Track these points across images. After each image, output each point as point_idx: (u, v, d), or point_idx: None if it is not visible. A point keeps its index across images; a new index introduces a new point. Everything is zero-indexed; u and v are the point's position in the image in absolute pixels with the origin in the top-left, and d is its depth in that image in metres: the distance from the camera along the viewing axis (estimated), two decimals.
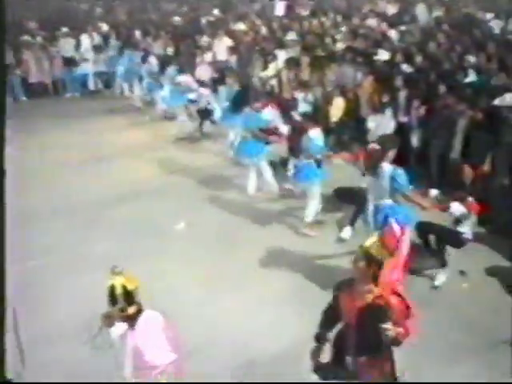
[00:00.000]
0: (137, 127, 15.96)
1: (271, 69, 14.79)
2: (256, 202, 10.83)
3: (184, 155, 13.54)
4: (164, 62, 16.06)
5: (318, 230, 9.56)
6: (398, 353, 4.80)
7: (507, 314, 7.14)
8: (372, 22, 17.02)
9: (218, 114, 13.50)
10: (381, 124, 11.13)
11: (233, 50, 16.59)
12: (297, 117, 11.16)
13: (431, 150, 10.72)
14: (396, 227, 7.22)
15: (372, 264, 4.45)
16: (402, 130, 11.06)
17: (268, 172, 10.95)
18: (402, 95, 11.29)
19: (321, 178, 9.40)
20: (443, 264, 8.04)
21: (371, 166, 7.50)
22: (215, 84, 14.28)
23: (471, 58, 11.90)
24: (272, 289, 8.02)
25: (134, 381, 5.16)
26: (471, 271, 8.19)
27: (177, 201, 11.01)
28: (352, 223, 9.23)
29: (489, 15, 15.42)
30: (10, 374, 3.93)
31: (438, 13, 16.69)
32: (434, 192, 8.10)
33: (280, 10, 21.40)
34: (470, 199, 7.89)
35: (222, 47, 17.02)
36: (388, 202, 7.41)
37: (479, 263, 8.37)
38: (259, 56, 15.62)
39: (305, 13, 19.86)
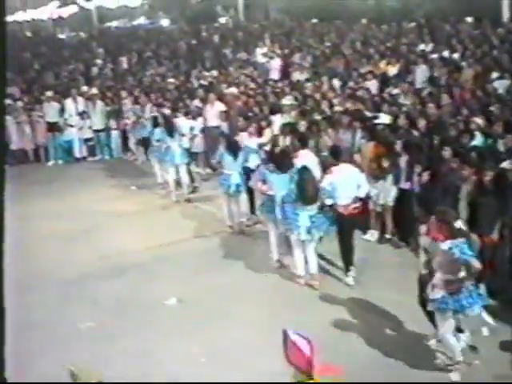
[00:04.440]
0: (126, 196, 16.12)
1: (266, 135, 14.97)
2: (257, 275, 10.95)
3: (177, 224, 13.69)
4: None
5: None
6: None
7: None
8: (370, 84, 17.35)
9: None
10: (382, 191, 11.36)
11: (225, 115, 16.82)
12: None
13: None
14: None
15: None
16: (403, 197, 11.26)
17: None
18: (403, 160, 11.44)
19: None
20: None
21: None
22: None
23: (478, 120, 12.06)
24: (271, 367, 8.02)
25: None
26: (482, 346, 8.21)
27: (168, 274, 11.09)
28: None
29: (493, 74, 15.80)
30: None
31: (440, 73, 17.04)
32: None
33: (275, 73, 21.84)
34: None
35: (213, 112, 17.26)
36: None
37: (491, 337, 8.38)
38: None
39: (300, 76, 20.20)
